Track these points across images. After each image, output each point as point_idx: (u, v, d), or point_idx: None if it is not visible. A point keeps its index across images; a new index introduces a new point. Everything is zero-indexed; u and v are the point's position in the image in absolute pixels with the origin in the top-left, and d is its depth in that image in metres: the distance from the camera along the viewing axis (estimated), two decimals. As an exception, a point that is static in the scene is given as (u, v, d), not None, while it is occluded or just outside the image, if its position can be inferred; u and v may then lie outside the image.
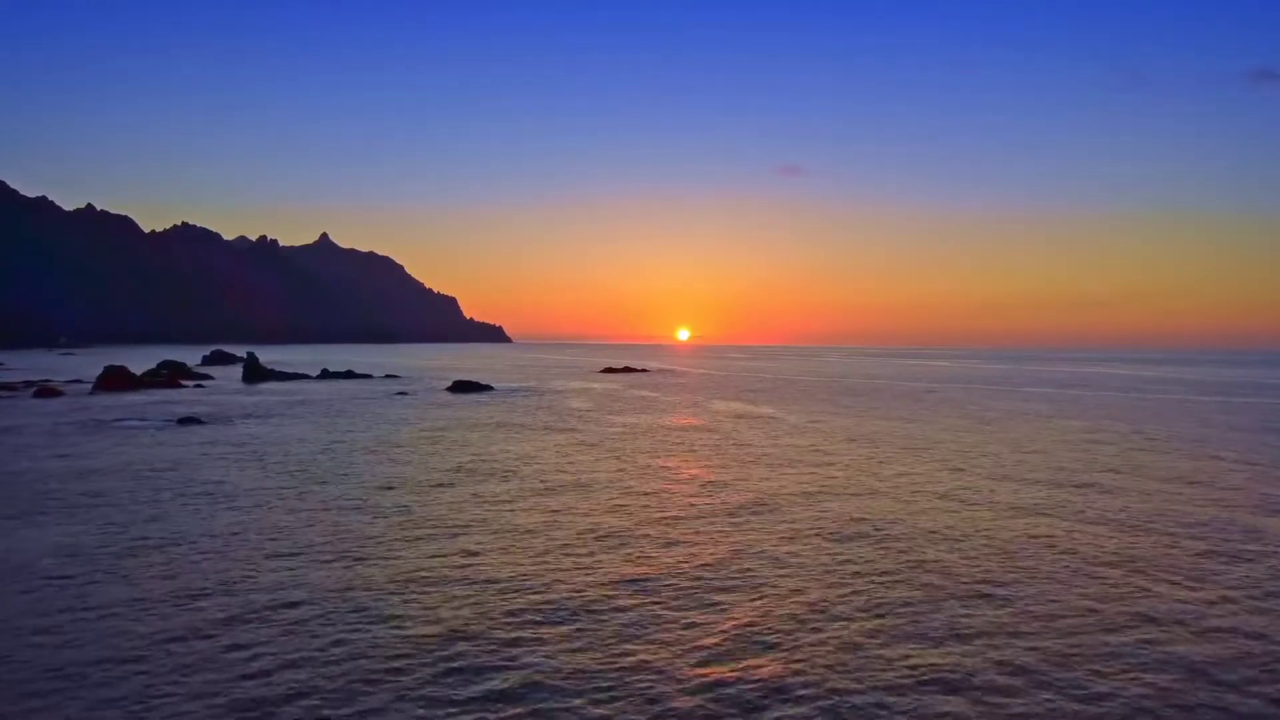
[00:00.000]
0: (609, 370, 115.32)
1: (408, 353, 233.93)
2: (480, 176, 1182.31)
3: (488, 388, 69.70)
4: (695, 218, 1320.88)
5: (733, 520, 19.41)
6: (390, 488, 22.91)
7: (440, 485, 23.43)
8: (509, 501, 21.20)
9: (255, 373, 78.65)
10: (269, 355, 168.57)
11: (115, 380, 61.86)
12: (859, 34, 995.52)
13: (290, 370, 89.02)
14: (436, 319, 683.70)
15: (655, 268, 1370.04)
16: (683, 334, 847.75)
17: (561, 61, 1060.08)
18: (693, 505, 21.20)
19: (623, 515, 19.73)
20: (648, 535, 17.89)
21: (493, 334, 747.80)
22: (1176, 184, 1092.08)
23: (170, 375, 72.00)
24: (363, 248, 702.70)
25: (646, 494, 22.69)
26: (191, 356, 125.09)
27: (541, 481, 24.28)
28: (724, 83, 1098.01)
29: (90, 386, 62.77)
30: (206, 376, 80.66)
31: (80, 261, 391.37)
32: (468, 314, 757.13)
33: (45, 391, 57.38)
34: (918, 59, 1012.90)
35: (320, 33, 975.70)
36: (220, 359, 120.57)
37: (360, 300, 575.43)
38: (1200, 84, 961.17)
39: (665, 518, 19.63)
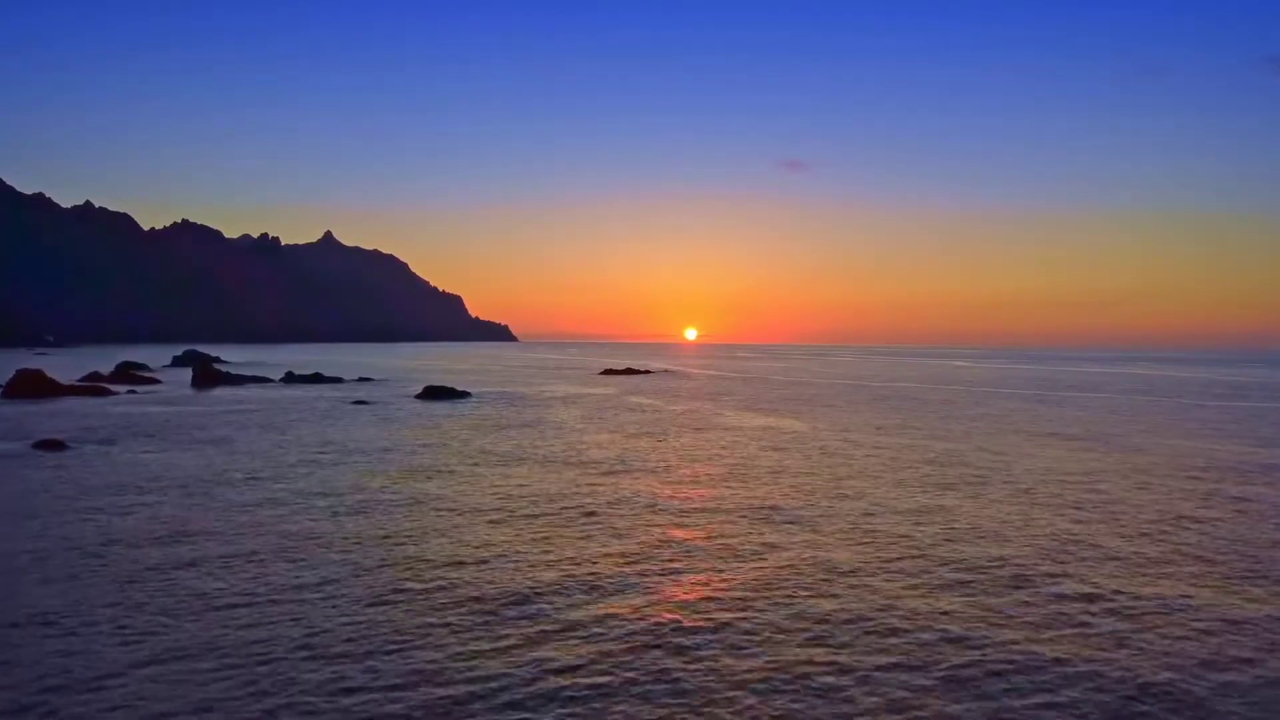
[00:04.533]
0: (609, 372, 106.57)
1: (406, 353, 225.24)
2: (483, 176, 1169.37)
3: (464, 395, 60.87)
4: (698, 215, 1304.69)
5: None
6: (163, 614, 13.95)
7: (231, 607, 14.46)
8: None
9: (206, 377, 70.00)
10: (265, 355, 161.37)
11: (25, 386, 53.21)
12: (859, 27, 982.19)
13: (253, 374, 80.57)
14: (442, 318, 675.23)
15: (661, 266, 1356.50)
16: (690, 333, 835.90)
17: (565, 61, 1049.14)
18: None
19: None
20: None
21: (499, 333, 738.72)
22: (1187, 181, 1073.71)
23: (101, 381, 63.29)
24: (367, 246, 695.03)
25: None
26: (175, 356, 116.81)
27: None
28: (724, 78, 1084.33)
29: (-1, 394, 54.33)
30: (155, 380, 72.02)
31: (79, 259, 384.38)
32: (474, 313, 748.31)
33: (-64, 401, 48.84)
34: (921, 51, 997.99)
35: (326, 31, 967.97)
36: (192, 359, 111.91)
37: (364, 299, 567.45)
38: (1214, 71, 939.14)
39: None
